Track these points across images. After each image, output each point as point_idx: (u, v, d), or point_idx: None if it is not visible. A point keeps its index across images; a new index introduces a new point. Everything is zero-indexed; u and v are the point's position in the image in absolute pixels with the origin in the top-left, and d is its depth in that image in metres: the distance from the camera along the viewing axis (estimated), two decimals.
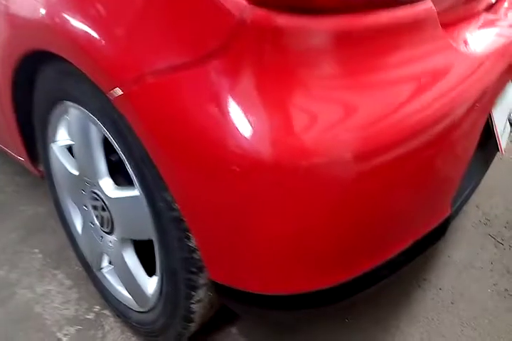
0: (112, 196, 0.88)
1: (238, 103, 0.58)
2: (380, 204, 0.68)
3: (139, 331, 1.07)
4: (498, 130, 0.98)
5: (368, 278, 0.75)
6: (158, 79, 0.62)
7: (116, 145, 0.79)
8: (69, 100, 0.88)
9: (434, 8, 0.67)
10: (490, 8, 0.96)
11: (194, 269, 0.78)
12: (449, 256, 1.31)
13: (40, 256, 1.38)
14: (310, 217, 0.63)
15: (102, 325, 1.16)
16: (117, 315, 1.15)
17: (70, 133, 0.99)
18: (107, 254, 1.03)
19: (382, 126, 0.61)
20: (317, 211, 0.63)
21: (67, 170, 1.01)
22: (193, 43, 0.60)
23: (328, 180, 0.61)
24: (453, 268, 1.28)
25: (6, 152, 1.37)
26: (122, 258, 0.94)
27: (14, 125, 1.10)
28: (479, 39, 0.84)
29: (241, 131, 0.58)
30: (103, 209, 0.93)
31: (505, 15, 0.99)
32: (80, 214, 1.09)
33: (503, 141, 1.03)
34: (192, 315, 0.87)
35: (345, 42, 0.59)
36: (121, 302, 1.08)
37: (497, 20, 0.96)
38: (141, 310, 1.00)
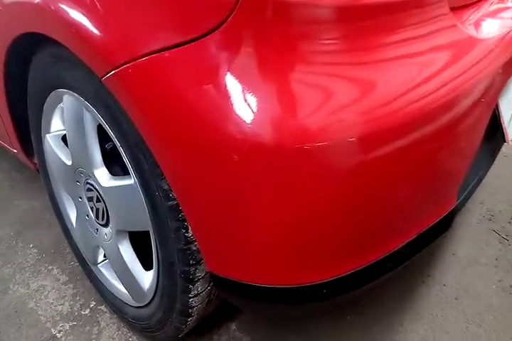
0: (107, 185, 0.85)
1: (237, 82, 0.55)
2: (384, 192, 0.65)
3: (135, 327, 1.05)
4: (504, 120, 0.96)
5: (372, 270, 0.72)
6: (153, 60, 0.59)
7: (111, 133, 0.77)
8: (62, 87, 0.86)
9: None
10: None
11: (191, 261, 0.75)
12: (453, 253, 1.29)
13: (35, 251, 1.36)
14: (312, 205, 0.60)
15: (98, 321, 1.14)
16: (113, 311, 1.13)
17: (64, 123, 0.96)
18: (103, 247, 1.01)
19: (389, 108, 0.58)
20: (319, 198, 0.60)
21: (61, 160, 0.99)
22: (190, 21, 0.57)
23: (333, 165, 0.58)
24: (457, 264, 1.25)
25: (2, 146, 1.35)
26: (118, 251, 0.92)
27: (8, 118, 1.09)
28: (488, 25, 0.82)
29: (240, 113, 0.55)
30: (98, 200, 0.91)
31: None
32: (74, 207, 1.07)
33: (509, 132, 1.01)
34: (190, 310, 0.85)
35: (350, 17, 0.56)
36: (117, 297, 1.06)
37: (507, 7, 0.93)
38: (138, 305, 0.98)
